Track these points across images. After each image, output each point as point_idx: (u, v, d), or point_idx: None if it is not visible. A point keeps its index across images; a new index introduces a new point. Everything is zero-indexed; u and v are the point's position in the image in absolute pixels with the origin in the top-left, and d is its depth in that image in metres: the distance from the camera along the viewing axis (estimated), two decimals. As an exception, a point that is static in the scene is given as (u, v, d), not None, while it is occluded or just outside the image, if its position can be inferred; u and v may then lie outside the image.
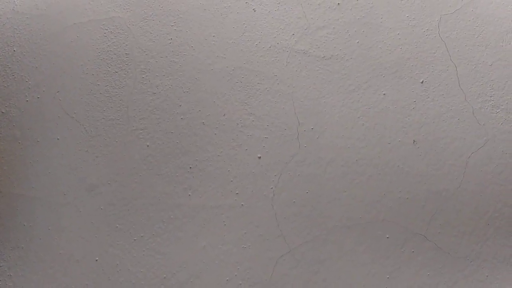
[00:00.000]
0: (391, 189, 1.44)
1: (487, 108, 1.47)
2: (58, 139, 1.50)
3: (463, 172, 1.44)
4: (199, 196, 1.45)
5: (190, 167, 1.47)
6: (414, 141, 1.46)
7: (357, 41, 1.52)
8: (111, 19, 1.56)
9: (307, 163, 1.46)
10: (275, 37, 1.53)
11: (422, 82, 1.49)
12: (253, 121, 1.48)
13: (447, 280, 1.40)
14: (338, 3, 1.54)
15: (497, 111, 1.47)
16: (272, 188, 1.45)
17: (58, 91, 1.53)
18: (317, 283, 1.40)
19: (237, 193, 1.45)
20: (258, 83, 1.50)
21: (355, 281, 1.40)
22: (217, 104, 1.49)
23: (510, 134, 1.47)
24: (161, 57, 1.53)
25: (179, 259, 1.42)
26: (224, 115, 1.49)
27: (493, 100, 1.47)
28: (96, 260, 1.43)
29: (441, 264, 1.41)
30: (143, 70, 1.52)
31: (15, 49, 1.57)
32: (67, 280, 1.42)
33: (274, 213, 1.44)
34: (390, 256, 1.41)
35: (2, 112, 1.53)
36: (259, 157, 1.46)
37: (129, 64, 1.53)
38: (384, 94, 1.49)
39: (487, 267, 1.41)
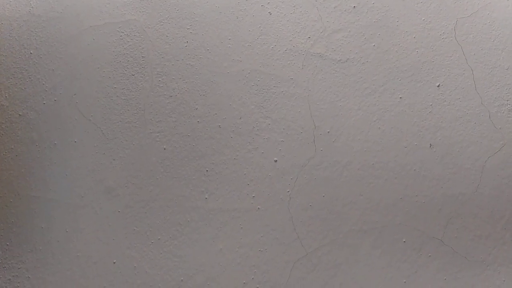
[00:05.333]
0: (408, 193, 1.44)
1: (503, 112, 1.47)
2: (75, 141, 1.51)
3: (480, 176, 1.45)
4: (216, 199, 1.46)
5: (207, 170, 1.48)
6: (430, 145, 1.46)
7: (373, 44, 1.52)
8: (127, 22, 1.56)
9: (323, 167, 1.46)
10: (291, 40, 1.53)
11: (438, 86, 1.49)
12: (269, 124, 1.49)
13: (463, 285, 1.40)
14: (354, 6, 1.54)
15: (514, 115, 1.48)
16: (288, 191, 1.45)
17: (75, 94, 1.54)
18: (334, 287, 1.41)
19: (253, 197, 1.46)
20: (274, 86, 1.51)
21: (371, 285, 1.41)
22: (233, 107, 1.50)
23: (526, 138, 1.47)
24: (177, 60, 1.53)
25: (196, 262, 1.43)
26: (240, 118, 1.49)
27: (509, 104, 1.47)
28: (114, 263, 1.44)
29: (458, 268, 1.41)
30: (160, 73, 1.53)
31: (31, 52, 1.58)
32: (84, 282, 1.44)
33: (291, 217, 1.44)
34: (407, 260, 1.42)
35: (19, 115, 1.54)
36: (275, 161, 1.47)
37: (145, 67, 1.53)
38: (400, 97, 1.49)
39: (504, 272, 1.41)
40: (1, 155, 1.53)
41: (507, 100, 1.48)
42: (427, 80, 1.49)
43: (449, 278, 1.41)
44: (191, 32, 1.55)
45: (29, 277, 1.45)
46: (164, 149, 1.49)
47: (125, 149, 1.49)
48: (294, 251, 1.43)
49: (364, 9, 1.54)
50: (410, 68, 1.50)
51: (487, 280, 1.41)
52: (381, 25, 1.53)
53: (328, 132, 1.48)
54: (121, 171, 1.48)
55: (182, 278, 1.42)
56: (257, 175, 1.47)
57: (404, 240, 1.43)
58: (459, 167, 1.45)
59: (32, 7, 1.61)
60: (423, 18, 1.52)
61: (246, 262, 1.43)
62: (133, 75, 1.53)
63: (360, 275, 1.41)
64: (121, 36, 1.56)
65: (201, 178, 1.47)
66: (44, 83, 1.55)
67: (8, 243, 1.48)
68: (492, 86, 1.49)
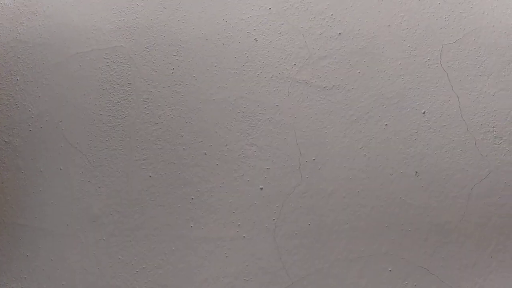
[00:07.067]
0: (394, 221, 1.44)
1: (489, 139, 1.47)
2: (61, 169, 1.51)
3: (466, 204, 1.44)
4: (201, 227, 1.45)
5: (192, 198, 1.47)
6: (416, 172, 1.46)
7: (359, 71, 1.52)
8: (113, 49, 1.56)
9: (309, 195, 1.46)
10: (276, 67, 1.53)
11: (424, 113, 1.49)
12: (255, 151, 1.48)
13: (449, 315, 1.40)
14: (340, 33, 1.54)
15: (500, 142, 1.47)
16: (274, 219, 1.45)
17: (61, 121, 1.53)
18: (319, 318, 1.40)
19: (238, 225, 1.45)
20: (260, 113, 1.50)
21: (357, 316, 1.40)
22: (219, 135, 1.50)
23: (512, 165, 1.47)
24: (163, 87, 1.53)
25: (181, 292, 1.42)
26: (226, 145, 1.49)
27: (495, 131, 1.47)
28: (98, 292, 1.43)
29: (444, 298, 1.40)
30: (146, 100, 1.52)
31: (18, 78, 1.58)
32: (69, 312, 1.43)
33: (276, 245, 1.44)
34: (393, 290, 1.41)
35: (5, 142, 1.54)
36: (261, 188, 1.46)
37: (131, 94, 1.53)
38: (386, 124, 1.49)
39: (490, 302, 1.41)
40: (-13, 181, 1.53)
41: (493, 127, 1.47)
42: (412, 107, 1.49)
43: (435, 309, 1.40)
44: (177, 59, 1.55)
45: (13, 307, 1.44)
46: (150, 176, 1.48)
47: (111, 176, 1.49)
48: (279, 280, 1.42)
49: (349, 36, 1.54)
50: (396, 95, 1.50)
51: (474, 310, 1.40)
52: (366, 51, 1.53)
53: (314, 159, 1.47)
54: (106, 199, 1.48)
55: (167, 308, 1.42)
56: (242, 203, 1.46)
57: (390, 269, 1.42)
58: (445, 195, 1.45)
59: (19, 33, 1.61)
60: (408, 45, 1.53)
61: (231, 292, 1.42)
62: (119, 101, 1.53)
63: (346, 305, 1.40)
64: (107, 62, 1.56)
65: (186, 206, 1.47)
66: (30, 109, 1.55)
67: (-8, 272, 1.47)
68: (478, 113, 1.48)
